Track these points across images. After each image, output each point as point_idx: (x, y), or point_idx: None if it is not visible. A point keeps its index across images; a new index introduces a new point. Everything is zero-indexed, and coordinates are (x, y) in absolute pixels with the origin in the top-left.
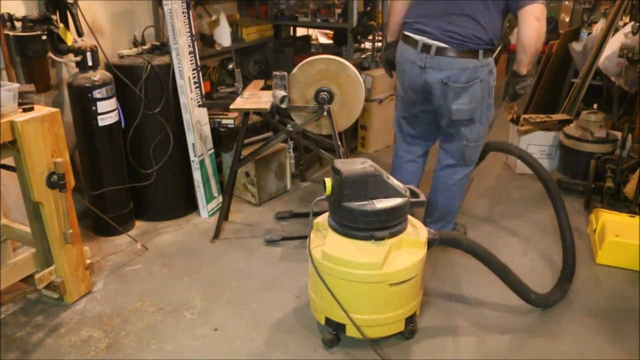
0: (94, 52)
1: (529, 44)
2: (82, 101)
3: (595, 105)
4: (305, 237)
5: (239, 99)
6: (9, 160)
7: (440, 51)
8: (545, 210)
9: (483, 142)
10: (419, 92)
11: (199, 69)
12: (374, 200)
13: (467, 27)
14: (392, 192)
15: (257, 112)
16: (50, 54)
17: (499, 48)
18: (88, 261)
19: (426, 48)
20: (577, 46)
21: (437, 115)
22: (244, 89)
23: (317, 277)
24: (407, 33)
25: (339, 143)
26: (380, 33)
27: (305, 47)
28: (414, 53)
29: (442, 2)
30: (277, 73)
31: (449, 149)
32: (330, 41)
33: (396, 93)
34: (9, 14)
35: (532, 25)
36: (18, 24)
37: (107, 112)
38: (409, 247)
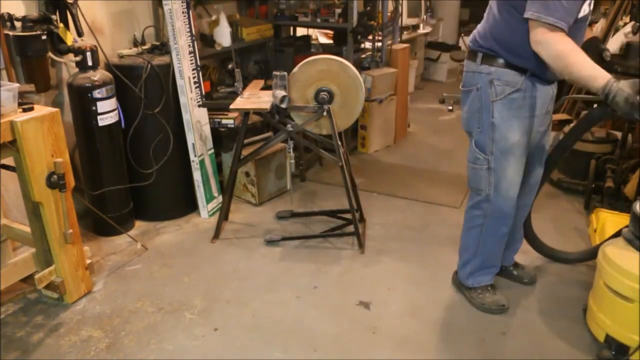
0: (93, 52)
1: (550, 64)
2: (82, 101)
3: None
4: (305, 237)
5: (239, 99)
6: (9, 160)
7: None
8: (545, 210)
9: (484, 171)
10: None
11: (199, 69)
12: None
13: (477, 28)
14: None
15: (257, 112)
16: (50, 54)
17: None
18: (88, 261)
19: None
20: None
21: None
22: (244, 89)
23: (607, 291)
24: None
25: (339, 143)
26: (380, 33)
27: (305, 47)
28: None
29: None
30: (277, 73)
31: None
32: (330, 41)
33: None
34: (9, 13)
35: (538, 51)
36: (18, 24)
37: (107, 112)
38: None
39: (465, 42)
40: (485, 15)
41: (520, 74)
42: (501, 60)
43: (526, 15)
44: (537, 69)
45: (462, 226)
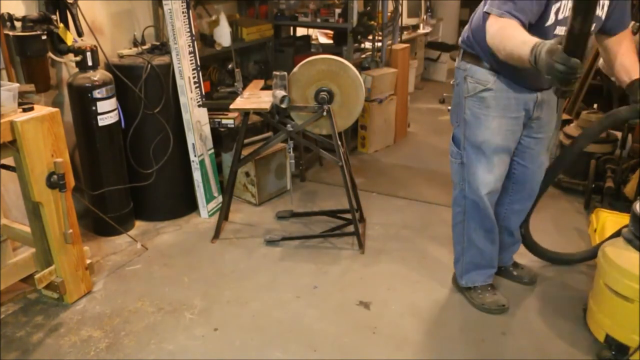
0: (93, 52)
1: (491, 48)
2: (82, 101)
3: (595, 105)
4: (305, 237)
5: (239, 99)
6: (9, 160)
7: None
8: (545, 210)
9: (458, 165)
10: None
11: (199, 69)
12: None
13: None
14: None
15: (257, 112)
16: (50, 54)
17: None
18: (88, 261)
19: None
20: None
21: None
22: (244, 89)
23: (607, 291)
24: None
25: (339, 143)
26: (380, 33)
27: (305, 47)
28: None
29: None
30: (277, 73)
31: None
32: (330, 41)
33: None
34: (9, 13)
35: (487, 41)
36: (18, 24)
37: (107, 112)
38: None
39: None
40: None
41: (493, 74)
42: (477, 59)
43: (484, 10)
44: (507, 72)
45: None
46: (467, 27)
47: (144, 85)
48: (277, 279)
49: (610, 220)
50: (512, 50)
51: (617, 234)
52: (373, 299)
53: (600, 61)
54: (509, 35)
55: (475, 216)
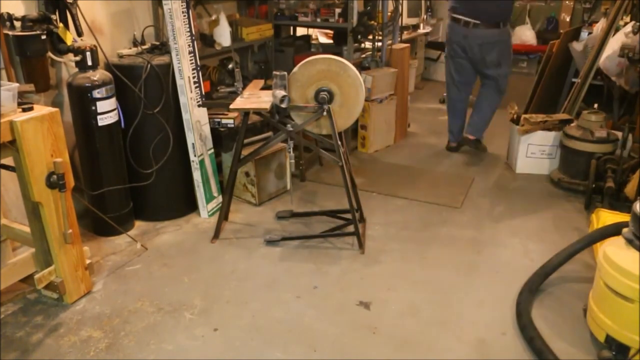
0: (93, 51)
1: None
2: (82, 101)
3: (595, 105)
4: (305, 237)
5: (238, 99)
6: (9, 160)
7: None
8: (545, 210)
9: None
10: None
11: (198, 68)
12: None
13: None
14: None
15: (257, 112)
16: (49, 54)
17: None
18: (88, 261)
19: None
20: (577, 46)
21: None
22: (243, 88)
23: (607, 291)
24: None
25: (339, 143)
26: (380, 33)
27: (305, 46)
28: None
29: None
30: (277, 73)
31: None
32: (331, 41)
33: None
34: (8, 13)
35: None
36: (17, 24)
37: (107, 111)
38: None
39: None
40: None
41: None
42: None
43: None
44: None
45: (462, 226)
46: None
47: (143, 85)
48: (277, 279)
49: (610, 221)
50: None
51: (617, 233)
52: (373, 299)
53: (601, 61)
54: None
55: None
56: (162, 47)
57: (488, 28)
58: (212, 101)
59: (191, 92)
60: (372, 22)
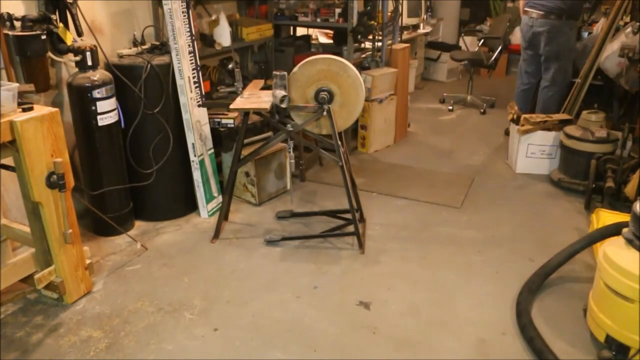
0: (93, 51)
1: None
2: (82, 101)
3: (595, 105)
4: (305, 237)
5: (238, 99)
6: (9, 160)
7: None
8: (545, 210)
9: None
10: None
11: (198, 68)
12: None
13: None
14: None
15: (257, 112)
16: (49, 54)
17: (499, 48)
18: (88, 261)
19: None
20: (577, 46)
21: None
22: (243, 88)
23: (607, 291)
24: None
25: (339, 143)
26: (380, 33)
27: (305, 46)
28: None
29: None
30: (277, 73)
31: None
32: (331, 41)
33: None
34: (8, 13)
35: None
36: (17, 24)
37: (107, 111)
38: None
39: (466, 42)
40: None
41: None
42: None
43: None
44: None
45: (462, 226)
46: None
47: (143, 85)
48: (277, 279)
49: (610, 221)
50: None
51: (617, 232)
52: (373, 299)
53: (601, 60)
54: None
55: None
56: (162, 47)
57: (548, 19)
58: (212, 101)
59: (191, 92)
60: (372, 22)
